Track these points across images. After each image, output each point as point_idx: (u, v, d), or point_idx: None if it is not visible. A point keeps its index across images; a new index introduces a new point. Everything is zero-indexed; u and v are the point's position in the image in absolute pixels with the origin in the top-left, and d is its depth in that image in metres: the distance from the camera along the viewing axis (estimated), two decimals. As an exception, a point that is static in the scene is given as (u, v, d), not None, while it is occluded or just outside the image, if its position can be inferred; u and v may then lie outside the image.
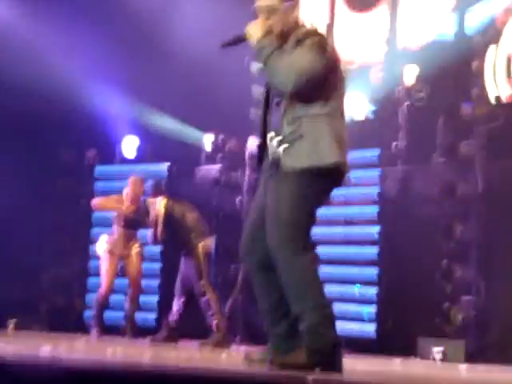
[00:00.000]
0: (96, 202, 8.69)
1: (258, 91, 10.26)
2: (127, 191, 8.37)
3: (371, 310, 8.32)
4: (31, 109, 9.45)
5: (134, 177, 8.43)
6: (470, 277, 7.85)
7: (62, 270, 10.34)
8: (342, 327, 8.22)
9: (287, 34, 3.80)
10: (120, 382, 3.01)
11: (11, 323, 9.73)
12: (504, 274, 7.64)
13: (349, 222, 8.80)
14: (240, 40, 3.80)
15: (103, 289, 8.34)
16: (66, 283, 10.37)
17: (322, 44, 3.72)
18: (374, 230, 8.46)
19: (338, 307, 8.36)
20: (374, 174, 8.60)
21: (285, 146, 3.74)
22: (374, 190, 8.58)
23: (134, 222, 8.32)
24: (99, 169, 10.45)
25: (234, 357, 5.98)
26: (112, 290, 8.46)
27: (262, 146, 3.93)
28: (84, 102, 9.71)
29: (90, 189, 10.28)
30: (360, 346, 7.59)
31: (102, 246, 8.46)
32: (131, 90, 9.45)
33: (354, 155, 8.57)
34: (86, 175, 10.49)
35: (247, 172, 9.58)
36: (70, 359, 3.86)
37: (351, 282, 8.56)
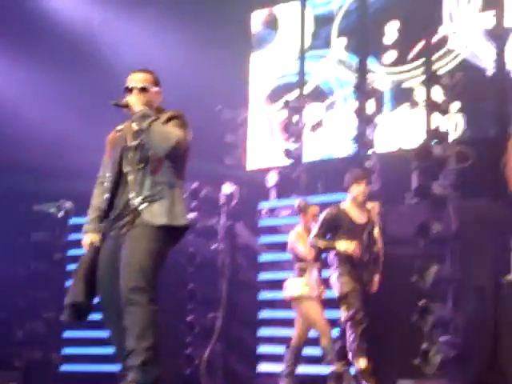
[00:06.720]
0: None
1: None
2: None
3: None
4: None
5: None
6: (447, 316, 7.85)
7: (37, 324, 10.20)
8: (309, 370, 8.12)
9: (157, 112, 4.59)
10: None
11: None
12: (478, 312, 7.70)
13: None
14: (123, 105, 4.58)
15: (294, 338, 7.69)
16: (42, 337, 10.23)
17: (187, 125, 4.58)
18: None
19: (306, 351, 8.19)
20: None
21: (146, 204, 4.45)
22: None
23: None
24: (74, 221, 10.33)
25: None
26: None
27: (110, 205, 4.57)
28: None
29: (63, 241, 10.25)
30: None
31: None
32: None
33: (327, 198, 8.71)
34: (59, 227, 10.44)
35: (223, 218, 9.59)
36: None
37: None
